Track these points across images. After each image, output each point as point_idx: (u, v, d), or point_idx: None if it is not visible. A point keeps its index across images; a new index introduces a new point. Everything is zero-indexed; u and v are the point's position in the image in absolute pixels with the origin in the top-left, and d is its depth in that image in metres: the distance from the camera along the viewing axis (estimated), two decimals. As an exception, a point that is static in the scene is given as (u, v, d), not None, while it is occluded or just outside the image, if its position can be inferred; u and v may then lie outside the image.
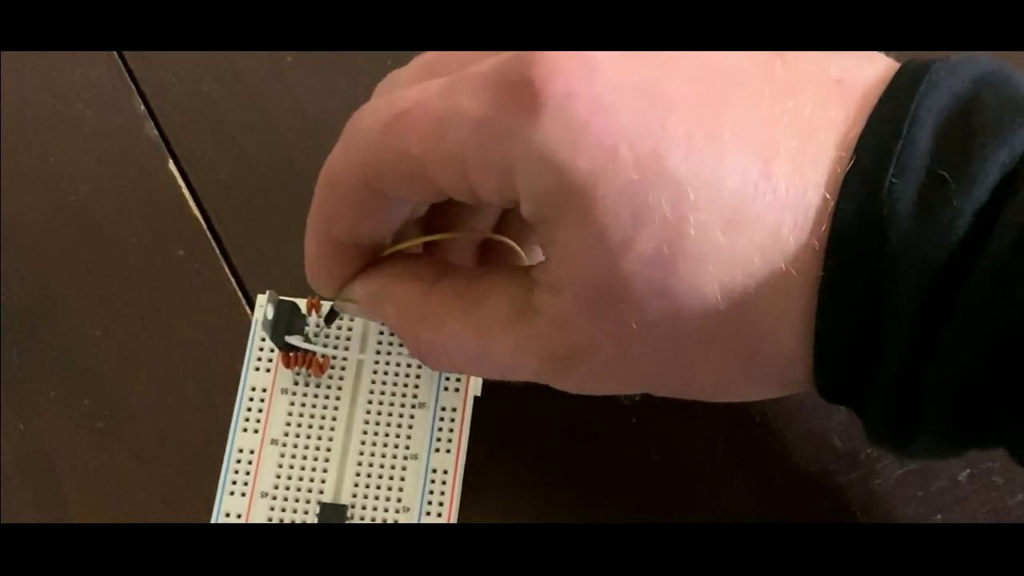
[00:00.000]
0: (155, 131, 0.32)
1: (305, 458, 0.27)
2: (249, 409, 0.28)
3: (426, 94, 0.22)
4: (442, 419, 0.28)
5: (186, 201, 0.31)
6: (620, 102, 0.20)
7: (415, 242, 0.25)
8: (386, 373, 0.28)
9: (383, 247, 0.25)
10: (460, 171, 0.21)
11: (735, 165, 0.20)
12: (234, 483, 0.27)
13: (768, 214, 0.20)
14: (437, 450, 0.27)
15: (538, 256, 0.24)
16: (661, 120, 0.20)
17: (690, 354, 0.22)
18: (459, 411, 0.28)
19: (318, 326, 0.28)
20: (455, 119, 0.21)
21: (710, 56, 0.21)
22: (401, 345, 0.28)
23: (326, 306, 0.28)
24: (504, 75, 0.21)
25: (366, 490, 0.27)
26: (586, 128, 0.20)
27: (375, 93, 0.26)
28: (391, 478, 0.27)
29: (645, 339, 0.21)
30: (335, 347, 0.28)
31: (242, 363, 0.28)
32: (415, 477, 0.27)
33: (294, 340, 0.27)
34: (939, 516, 0.27)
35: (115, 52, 0.32)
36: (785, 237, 0.20)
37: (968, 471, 0.27)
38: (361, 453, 0.27)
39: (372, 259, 0.25)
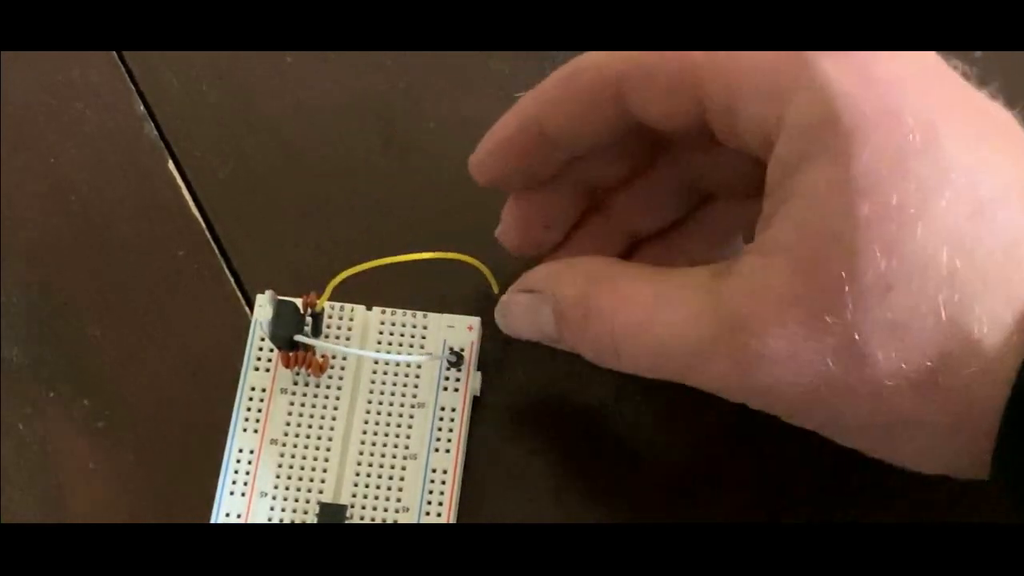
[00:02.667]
0: (155, 131, 0.32)
1: (305, 458, 0.27)
2: (249, 409, 0.28)
3: None
4: (442, 419, 0.28)
5: (186, 201, 0.31)
6: (914, 75, 0.21)
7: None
8: (386, 373, 0.28)
9: (552, 176, 0.25)
10: (733, 88, 0.21)
11: (995, 172, 0.20)
12: (234, 483, 0.27)
13: (1015, 234, 0.20)
14: (437, 450, 0.27)
15: None
16: (941, 102, 0.20)
17: (880, 358, 0.20)
18: (459, 411, 0.28)
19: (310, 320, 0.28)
20: (763, 53, 0.21)
21: (970, 90, 0.22)
22: (401, 345, 0.28)
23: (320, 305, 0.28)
24: None
25: (366, 490, 0.27)
26: (877, 78, 0.20)
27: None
28: (391, 478, 0.27)
29: (840, 318, 0.20)
30: (334, 351, 0.28)
31: (242, 363, 0.28)
32: (415, 477, 0.27)
33: (301, 338, 0.27)
34: (939, 516, 0.27)
35: (115, 52, 0.32)
36: (1018, 258, 0.20)
37: (968, 471, 0.27)
38: (361, 453, 0.27)
39: (537, 185, 0.26)
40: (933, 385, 0.20)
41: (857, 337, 0.20)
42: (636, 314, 0.22)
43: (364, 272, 0.27)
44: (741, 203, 0.26)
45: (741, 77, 0.21)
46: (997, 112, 0.22)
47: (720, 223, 0.27)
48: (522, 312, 0.25)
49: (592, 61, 0.24)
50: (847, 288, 0.20)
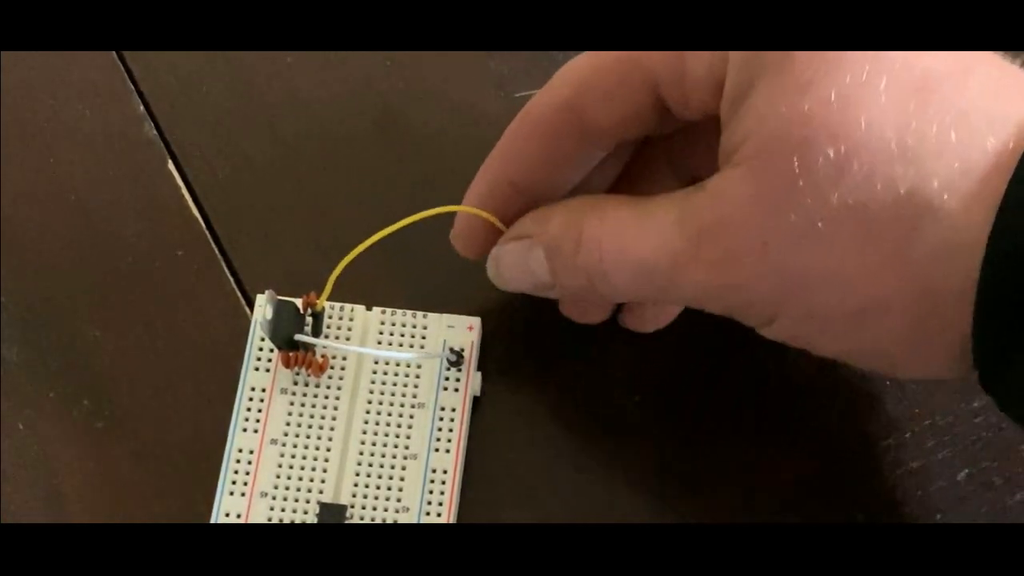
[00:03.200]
0: (154, 131, 0.32)
1: (305, 458, 0.27)
2: (249, 409, 0.28)
3: None
4: (441, 419, 0.28)
5: (185, 201, 0.31)
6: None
7: None
8: (385, 373, 0.28)
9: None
10: (678, 55, 0.22)
11: (933, 55, 0.21)
12: (234, 483, 0.27)
13: (964, 107, 0.20)
14: (437, 450, 0.27)
15: None
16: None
17: (844, 242, 0.21)
18: (459, 411, 0.28)
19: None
20: None
21: None
22: (402, 345, 0.28)
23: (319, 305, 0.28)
24: None
25: (365, 490, 0.27)
26: None
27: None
28: (391, 478, 0.27)
29: (801, 210, 0.21)
30: (335, 349, 0.28)
31: (241, 363, 0.28)
32: (415, 477, 0.27)
33: (302, 337, 0.27)
34: (939, 516, 0.27)
35: (114, 52, 0.32)
36: (979, 128, 0.20)
37: (968, 471, 0.27)
38: (361, 453, 0.27)
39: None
40: (897, 261, 0.21)
41: (820, 224, 0.21)
42: (619, 236, 0.23)
43: (363, 272, 0.27)
44: None
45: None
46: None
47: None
48: (513, 260, 0.26)
49: (535, 105, 0.25)
50: (800, 180, 0.20)
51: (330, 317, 0.28)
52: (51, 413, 0.29)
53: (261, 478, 0.27)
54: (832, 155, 0.20)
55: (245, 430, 0.27)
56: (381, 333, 0.28)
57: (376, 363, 0.28)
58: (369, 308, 0.29)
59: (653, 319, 0.28)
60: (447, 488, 0.27)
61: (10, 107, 0.32)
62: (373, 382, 0.28)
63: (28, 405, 0.29)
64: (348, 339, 0.28)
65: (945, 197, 0.20)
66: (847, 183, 0.20)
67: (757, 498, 0.27)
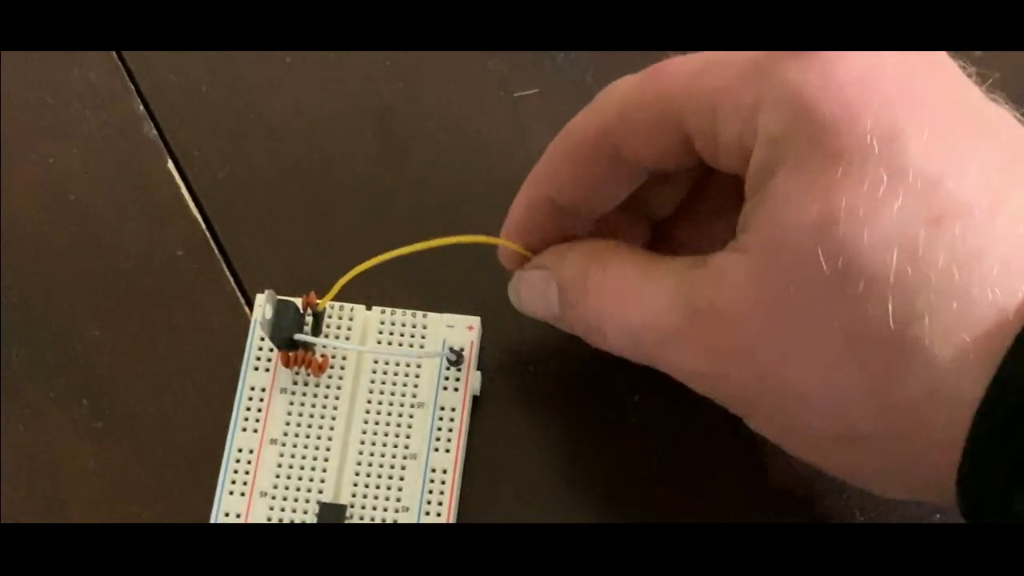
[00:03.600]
0: (154, 131, 0.32)
1: (304, 458, 0.27)
2: (248, 409, 0.28)
3: (694, 56, 0.23)
4: (441, 419, 0.28)
5: (185, 201, 0.31)
6: (884, 74, 0.20)
7: None
8: (385, 372, 0.28)
9: (582, 227, 0.26)
10: (711, 112, 0.22)
11: (962, 179, 0.19)
12: (233, 483, 0.27)
13: (981, 246, 0.19)
14: (436, 450, 0.27)
15: None
16: (912, 102, 0.20)
17: (829, 364, 0.20)
18: (459, 411, 0.28)
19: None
20: (718, 63, 0.22)
21: (966, 91, 0.21)
22: (401, 344, 0.28)
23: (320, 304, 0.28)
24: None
25: (365, 490, 0.27)
26: (839, 80, 0.20)
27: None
28: (390, 478, 0.27)
29: (792, 320, 0.20)
30: (335, 347, 0.28)
31: (241, 363, 0.28)
32: (414, 477, 0.27)
33: (302, 337, 0.27)
34: (939, 516, 0.27)
35: (115, 52, 0.32)
36: (990, 275, 0.19)
37: (968, 471, 0.27)
38: (360, 453, 0.27)
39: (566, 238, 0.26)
40: (880, 397, 0.20)
41: (809, 339, 0.20)
42: (619, 295, 0.23)
43: (364, 272, 0.27)
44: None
45: (715, 98, 0.22)
46: (990, 113, 0.21)
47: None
48: (531, 288, 0.26)
49: (576, 126, 0.25)
50: (799, 288, 0.20)
51: (330, 317, 0.28)
52: (51, 413, 0.29)
53: (261, 478, 0.27)
54: (828, 272, 0.19)
55: (245, 430, 0.27)
56: (381, 333, 0.28)
57: (376, 363, 0.28)
58: (369, 307, 0.29)
59: None
60: (447, 488, 0.27)
61: (10, 107, 0.32)
62: (373, 382, 0.28)
63: (28, 405, 0.29)
64: (348, 339, 0.28)
65: (936, 340, 0.19)
66: (842, 302, 0.19)
67: (757, 498, 0.27)
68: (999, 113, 0.21)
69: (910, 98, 0.20)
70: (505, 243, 0.26)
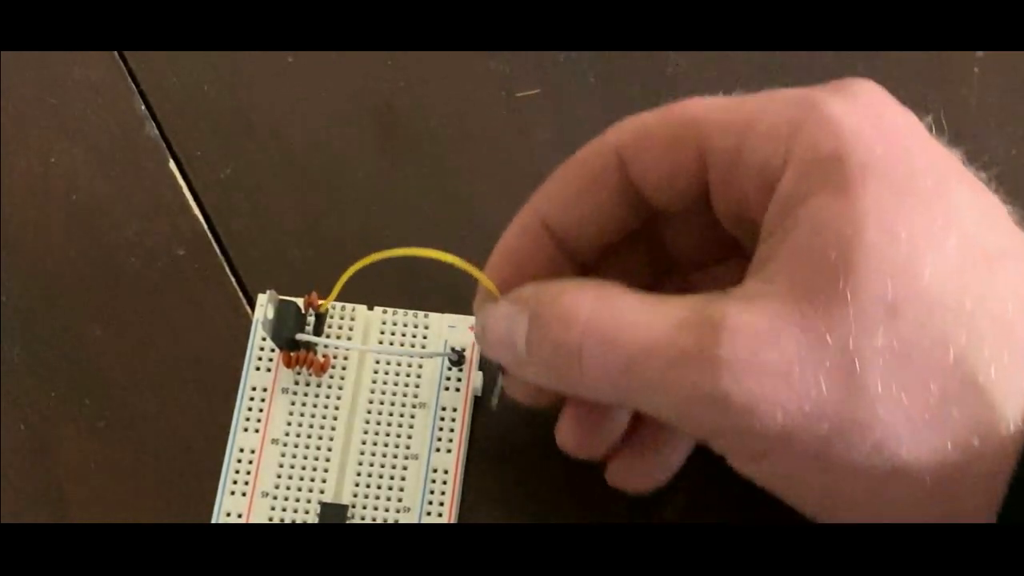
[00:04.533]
0: (155, 131, 0.32)
1: (306, 458, 0.27)
2: (250, 409, 0.28)
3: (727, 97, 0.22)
4: (442, 419, 0.28)
5: (187, 201, 0.31)
6: (913, 126, 0.21)
7: None
8: (387, 373, 0.28)
9: (574, 261, 0.24)
10: (741, 131, 0.21)
11: (996, 230, 0.20)
12: (235, 483, 0.27)
13: (1016, 282, 0.20)
14: (438, 450, 0.27)
15: None
16: (946, 158, 0.21)
17: (880, 390, 0.19)
18: (459, 411, 0.28)
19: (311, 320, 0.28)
20: (763, 98, 0.22)
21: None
22: (403, 344, 0.28)
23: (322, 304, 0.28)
24: (826, 84, 0.22)
25: (367, 490, 0.27)
26: (888, 122, 0.20)
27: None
28: (392, 478, 0.27)
29: (841, 342, 0.19)
30: (336, 347, 0.28)
31: (242, 363, 0.28)
32: (415, 477, 0.27)
33: (304, 336, 0.27)
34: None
35: (115, 52, 0.32)
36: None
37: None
38: (362, 453, 0.27)
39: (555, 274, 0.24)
40: (932, 428, 0.19)
41: (856, 361, 0.19)
42: (612, 319, 0.21)
43: (365, 272, 0.27)
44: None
45: (748, 120, 0.21)
46: (990, 192, 0.22)
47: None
48: (499, 322, 0.23)
49: (587, 146, 0.24)
50: (851, 309, 0.19)
51: (332, 317, 0.28)
52: (52, 413, 0.29)
53: (262, 478, 0.27)
54: (891, 294, 0.19)
55: (246, 430, 0.27)
56: (383, 333, 0.28)
57: (377, 363, 0.28)
58: (371, 308, 0.29)
59: (642, 474, 0.26)
60: (448, 488, 0.27)
61: (10, 107, 0.32)
62: (375, 382, 0.28)
63: (29, 405, 0.29)
64: (350, 339, 0.28)
65: (992, 369, 0.19)
66: (897, 328, 0.19)
67: (757, 498, 0.27)
68: (984, 187, 0.22)
69: (943, 155, 0.21)
70: (480, 276, 0.24)
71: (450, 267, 0.30)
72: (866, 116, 0.20)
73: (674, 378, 0.20)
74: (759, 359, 0.19)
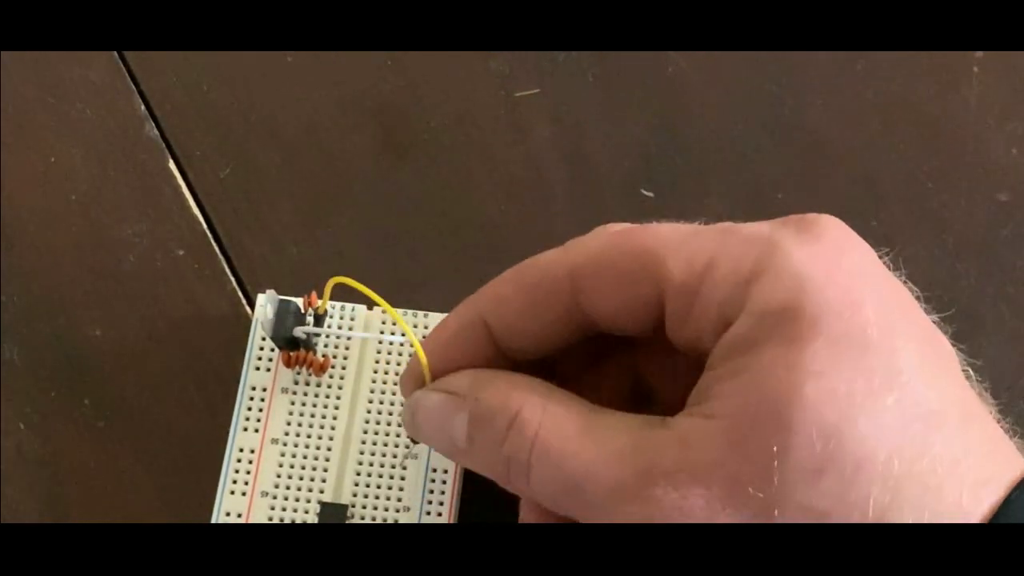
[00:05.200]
0: (155, 131, 0.32)
1: (306, 457, 0.27)
2: (249, 408, 0.28)
3: (676, 224, 0.22)
4: (442, 419, 0.27)
5: (186, 201, 0.31)
6: (878, 274, 0.21)
7: None
8: (386, 372, 0.28)
9: (507, 364, 0.24)
10: (701, 267, 0.21)
11: (940, 389, 0.20)
12: (234, 482, 0.27)
13: (957, 453, 0.20)
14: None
15: None
16: (900, 307, 0.21)
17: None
18: (459, 411, 0.28)
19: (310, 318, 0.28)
20: (724, 231, 0.21)
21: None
22: (403, 344, 0.28)
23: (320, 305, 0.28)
24: (789, 218, 0.21)
25: (366, 489, 0.27)
26: (844, 268, 0.20)
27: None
28: (391, 478, 0.27)
29: (764, 492, 0.19)
30: (336, 346, 0.28)
31: (242, 363, 0.28)
32: (415, 477, 0.27)
33: (301, 332, 0.27)
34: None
35: (115, 52, 0.32)
36: (966, 480, 0.19)
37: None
38: (361, 452, 0.27)
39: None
40: None
41: (776, 514, 0.19)
42: (560, 439, 0.21)
43: (365, 272, 0.27)
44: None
45: (708, 260, 0.21)
46: (942, 339, 0.22)
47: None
48: (433, 413, 0.23)
49: (541, 258, 0.23)
50: (776, 463, 0.19)
51: (331, 317, 0.28)
52: (51, 413, 0.29)
53: (262, 477, 0.27)
54: (818, 451, 0.19)
55: (246, 429, 0.27)
56: (382, 333, 0.28)
57: (377, 363, 0.28)
58: (370, 308, 0.29)
59: None
60: (448, 488, 0.27)
61: (10, 107, 0.32)
62: (374, 381, 0.28)
63: (28, 405, 0.29)
64: (350, 339, 0.28)
65: None
66: (820, 487, 0.19)
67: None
68: (941, 336, 0.22)
69: (898, 303, 0.21)
70: (421, 355, 0.23)
71: (449, 268, 0.30)
72: (825, 263, 0.20)
73: (613, 505, 0.21)
74: (688, 503, 0.20)
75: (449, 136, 0.32)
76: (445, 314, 0.28)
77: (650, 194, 0.31)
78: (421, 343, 0.24)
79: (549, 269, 0.23)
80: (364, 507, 0.27)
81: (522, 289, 0.23)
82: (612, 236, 0.23)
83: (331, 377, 0.28)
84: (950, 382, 0.21)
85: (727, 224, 0.22)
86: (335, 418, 0.28)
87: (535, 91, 0.32)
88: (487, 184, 0.31)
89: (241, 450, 0.27)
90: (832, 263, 0.20)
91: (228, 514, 0.27)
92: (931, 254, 0.31)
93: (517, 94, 0.32)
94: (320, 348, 0.28)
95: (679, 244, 0.22)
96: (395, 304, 0.29)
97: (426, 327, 0.28)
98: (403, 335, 0.28)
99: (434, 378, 0.23)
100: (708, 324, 0.21)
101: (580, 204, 0.31)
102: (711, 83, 0.32)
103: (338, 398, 0.28)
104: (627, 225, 0.23)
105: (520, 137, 0.32)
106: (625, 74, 0.32)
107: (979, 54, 0.32)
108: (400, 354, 0.28)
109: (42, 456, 0.28)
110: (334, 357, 0.28)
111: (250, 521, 0.27)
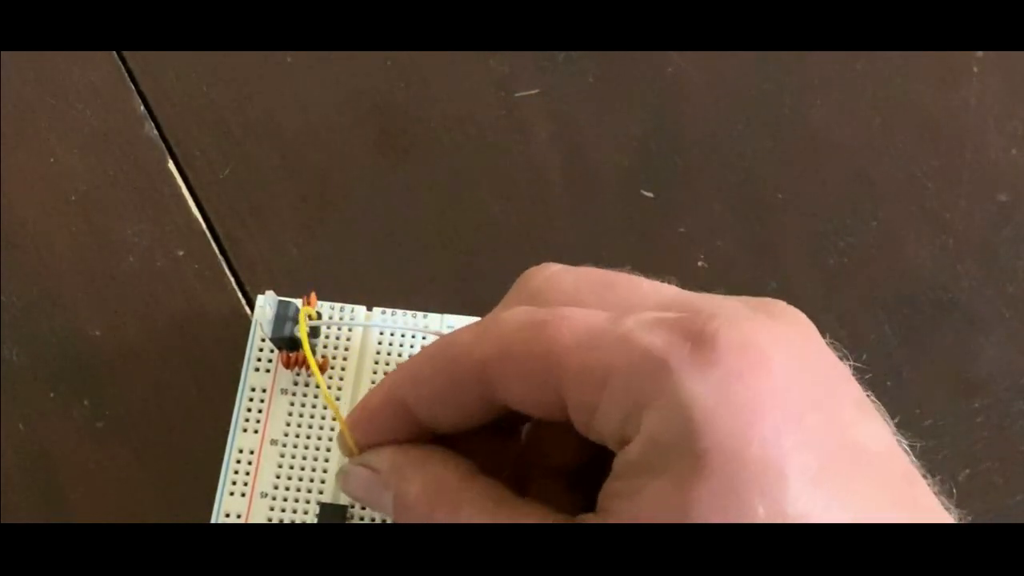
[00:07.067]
0: (155, 131, 0.32)
1: (305, 458, 0.27)
2: (249, 409, 0.28)
3: (594, 314, 0.22)
4: (442, 419, 0.27)
5: (186, 201, 0.31)
6: (779, 397, 0.20)
7: None
8: (386, 372, 0.28)
9: (427, 440, 0.24)
10: (596, 387, 0.21)
11: (835, 514, 0.20)
12: (234, 483, 0.27)
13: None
14: (437, 450, 0.27)
15: None
16: (800, 430, 0.20)
17: None
18: (459, 411, 0.28)
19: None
20: (622, 341, 0.21)
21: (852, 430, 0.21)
22: (402, 345, 0.28)
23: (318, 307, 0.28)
24: (685, 321, 0.21)
25: (366, 490, 0.27)
26: (734, 400, 0.20)
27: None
28: (391, 478, 0.27)
29: None
30: (336, 346, 0.28)
31: (242, 363, 0.28)
32: (415, 477, 0.27)
33: (304, 323, 0.27)
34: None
35: (115, 52, 0.32)
36: None
37: (968, 471, 0.27)
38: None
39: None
40: None
41: None
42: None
43: (365, 273, 0.27)
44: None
45: (603, 376, 0.21)
46: (875, 442, 0.21)
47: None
48: (362, 486, 0.24)
49: (458, 346, 0.23)
50: None
51: (330, 318, 0.28)
52: (51, 413, 0.29)
53: (261, 478, 0.27)
54: None
55: (245, 430, 0.27)
56: (381, 333, 0.28)
57: (376, 363, 0.28)
58: (370, 308, 0.29)
59: None
60: (447, 488, 0.27)
61: (10, 107, 0.32)
62: (373, 382, 0.28)
63: (28, 405, 0.29)
64: (349, 339, 0.28)
65: None
66: None
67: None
68: (878, 437, 0.21)
69: (799, 424, 0.20)
70: (344, 430, 0.24)
71: (449, 268, 0.30)
72: (717, 392, 0.20)
73: None
74: None
75: (449, 136, 0.32)
76: (445, 314, 0.29)
77: (650, 194, 0.31)
78: (345, 419, 0.24)
79: (461, 357, 0.23)
80: (363, 507, 0.27)
81: (438, 372, 0.23)
82: (521, 331, 0.22)
83: (330, 378, 0.28)
84: (857, 503, 0.20)
85: (643, 318, 0.21)
86: (335, 419, 0.28)
87: (535, 91, 0.32)
88: (487, 184, 0.31)
89: (241, 451, 0.27)
90: (723, 391, 0.20)
91: (228, 515, 0.27)
92: (931, 254, 0.31)
93: (517, 94, 0.32)
94: (319, 349, 0.28)
95: (580, 355, 0.21)
96: (395, 304, 0.29)
97: (426, 327, 0.28)
98: (403, 335, 0.28)
99: (361, 450, 0.24)
100: (609, 435, 0.21)
101: (580, 204, 0.31)
102: (711, 83, 0.32)
103: (338, 399, 0.28)
104: (539, 314, 0.22)
105: (520, 137, 0.32)
106: (625, 74, 0.32)
107: (979, 54, 0.32)
108: (400, 355, 0.28)
109: (42, 456, 0.28)
110: (333, 359, 0.28)
111: (249, 522, 0.27)
